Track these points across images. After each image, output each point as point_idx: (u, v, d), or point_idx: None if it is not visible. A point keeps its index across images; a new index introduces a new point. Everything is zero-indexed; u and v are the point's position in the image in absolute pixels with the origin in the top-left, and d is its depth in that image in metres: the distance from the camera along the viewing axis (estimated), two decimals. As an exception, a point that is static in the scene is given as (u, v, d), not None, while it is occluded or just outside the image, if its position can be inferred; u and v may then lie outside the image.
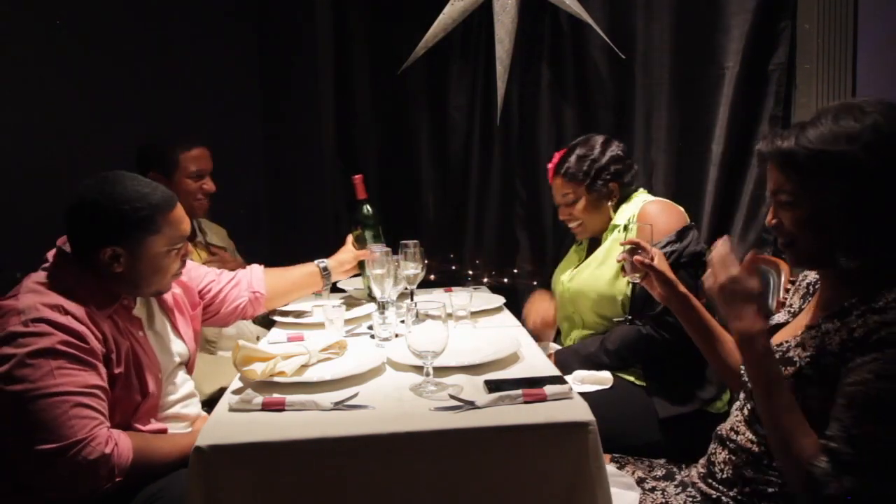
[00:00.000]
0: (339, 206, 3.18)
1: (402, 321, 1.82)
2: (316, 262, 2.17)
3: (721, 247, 1.29)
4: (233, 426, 1.34)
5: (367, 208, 2.23)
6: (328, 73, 3.12)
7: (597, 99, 2.84)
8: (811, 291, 1.42)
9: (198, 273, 1.93)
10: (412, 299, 1.94)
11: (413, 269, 1.95)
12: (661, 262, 1.64)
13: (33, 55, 2.35)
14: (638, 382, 2.00)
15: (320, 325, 1.96)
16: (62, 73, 2.44)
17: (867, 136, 1.13)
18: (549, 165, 2.24)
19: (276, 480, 1.27)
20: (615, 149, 2.16)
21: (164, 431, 1.60)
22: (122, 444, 1.40)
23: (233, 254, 2.70)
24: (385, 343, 1.85)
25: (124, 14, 2.70)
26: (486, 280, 2.95)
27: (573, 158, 2.15)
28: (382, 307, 1.90)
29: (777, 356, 1.25)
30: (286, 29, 3.19)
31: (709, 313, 1.61)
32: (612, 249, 2.09)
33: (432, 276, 2.78)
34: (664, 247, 1.93)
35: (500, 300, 2.34)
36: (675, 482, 1.51)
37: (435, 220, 3.10)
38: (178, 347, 1.74)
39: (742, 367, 1.31)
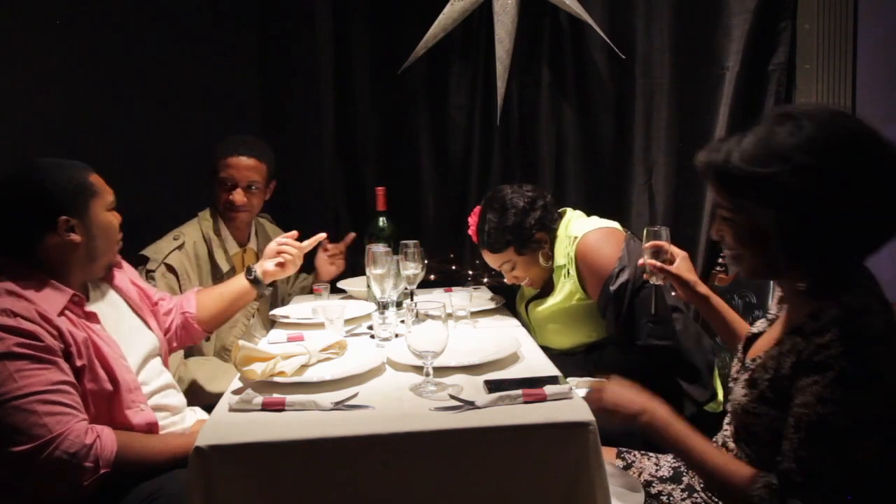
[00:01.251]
0: (339, 206, 3.18)
1: (402, 321, 1.82)
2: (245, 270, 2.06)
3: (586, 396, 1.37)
4: (233, 426, 1.34)
5: (383, 220, 2.21)
6: (328, 73, 3.12)
7: (597, 99, 2.84)
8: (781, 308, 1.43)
9: (150, 287, 1.95)
10: (412, 299, 1.94)
11: (413, 269, 1.95)
12: (680, 265, 1.64)
13: (33, 55, 2.35)
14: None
15: (320, 325, 1.96)
16: (61, 73, 2.44)
17: (799, 157, 1.09)
18: (470, 231, 2.23)
19: (276, 480, 1.27)
20: (524, 200, 2.11)
21: (154, 425, 1.59)
22: (105, 436, 1.41)
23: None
24: (385, 343, 1.85)
25: (124, 15, 2.70)
26: (486, 280, 2.95)
27: (491, 230, 2.12)
28: (382, 307, 1.90)
29: (746, 376, 1.26)
30: (286, 29, 3.18)
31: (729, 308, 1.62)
32: (572, 292, 2.08)
33: (432, 276, 2.78)
34: (617, 276, 1.92)
35: (500, 300, 2.34)
36: (682, 485, 1.51)
37: (435, 220, 3.10)
38: (148, 337, 1.74)
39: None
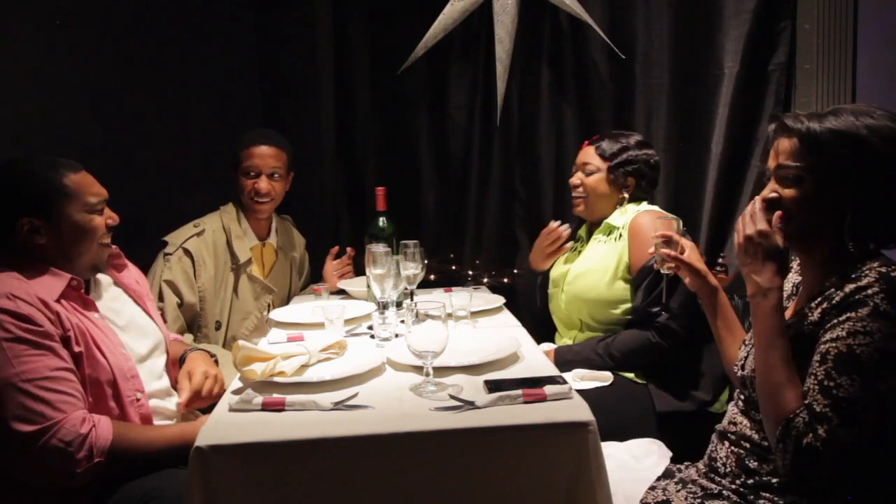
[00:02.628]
0: (339, 206, 3.18)
1: (402, 321, 1.82)
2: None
3: (752, 204, 1.35)
4: (233, 426, 1.33)
5: (383, 221, 2.21)
6: (328, 73, 3.12)
7: (597, 99, 2.84)
8: (794, 292, 1.47)
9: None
10: (412, 299, 1.94)
11: (413, 269, 1.95)
12: (691, 255, 1.66)
13: (33, 55, 2.35)
14: (638, 380, 2.01)
15: (320, 325, 1.96)
16: (61, 73, 2.44)
17: (886, 130, 1.23)
18: (587, 142, 2.31)
19: (276, 480, 1.27)
20: (649, 153, 2.22)
21: (149, 418, 1.60)
22: (100, 426, 1.41)
23: (301, 266, 2.74)
24: (385, 343, 1.85)
25: (124, 14, 2.69)
26: (486, 280, 2.95)
27: (610, 138, 2.23)
28: (382, 307, 1.90)
29: None
30: (286, 29, 3.18)
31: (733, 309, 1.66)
32: (606, 255, 2.11)
33: (432, 276, 2.78)
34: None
35: (500, 300, 2.34)
36: (675, 479, 1.52)
37: (435, 220, 3.10)
38: (151, 329, 1.75)
39: (749, 320, 1.36)
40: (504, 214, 3.01)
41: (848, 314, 1.19)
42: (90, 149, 2.40)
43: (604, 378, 1.98)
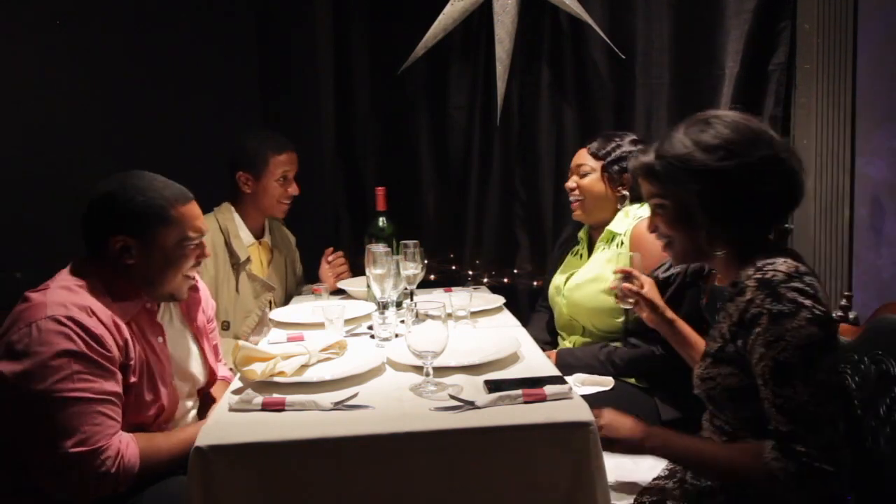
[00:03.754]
0: (339, 206, 3.18)
1: (402, 321, 1.82)
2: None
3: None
4: (233, 426, 1.34)
5: (383, 220, 2.21)
6: (328, 73, 3.12)
7: (597, 99, 2.83)
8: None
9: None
10: (412, 299, 1.94)
11: (413, 269, 1.95)
12: (650, 291, 1.73)
13: (33, 55, 2.35)
14: (639, 384, 2.00)
15: (320, 325, 1.96)
16: (61, 73, 2.44)
17: (710, 140, 1.34)
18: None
19: (276, 480, 1.27)
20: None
21: None
22: (128, 453, 1.39)
23: (292, 264, 2.74)
24: (385, 343, 1.85)
25: (124, 14, 2.70)
26: (486, 280, 2.95)
27: (603, 138, 2.23)
28: (382, 307, 1.90)
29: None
30: (286, 29, 3.18)
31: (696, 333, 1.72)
32: (607, 263, 2.11)
33: (432, 276, 2.78)
34: (667, 270, 1.94)
35: (500, 300, 2.34)
36: (674, 479, 1.53)
37: (435, 220, 3.10)
38: (197, 376, 1.72)
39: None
40: (504, 214, 3.01)
41: (755, 331, 1.26)
42: (90, 148, 2.41)
43: (605, 383, 1.98)
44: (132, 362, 1.46)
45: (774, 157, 1.33)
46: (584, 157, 2.22)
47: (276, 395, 1.44)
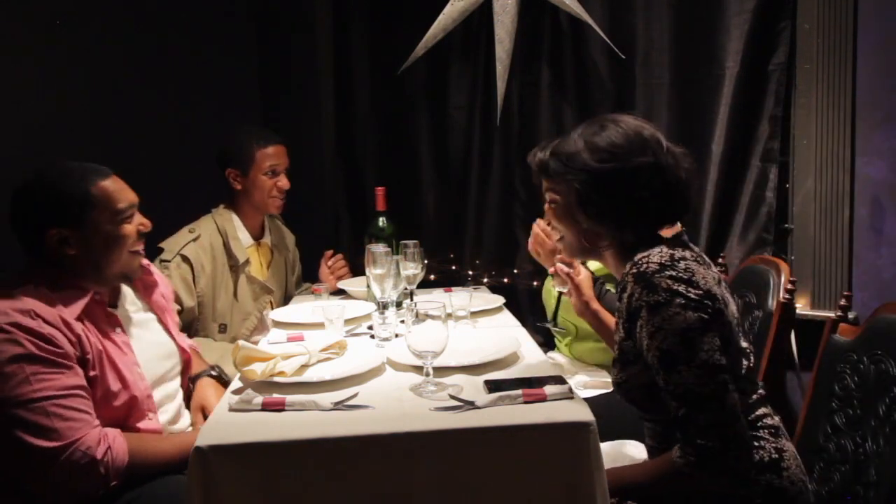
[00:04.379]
0: (339, 206, 3.18)
1: (402, 321, 1.82)
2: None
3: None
4: (233, 426, 1.34)
5: (382, 220, 2.21)
6: (328, 73, 3.12)
7: (597, 99, 2.83)
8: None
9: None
10: (412, 299, 1.94)
11: (413, 269, 1.95)
12: (583, 280, 1.79)
13: (32, 55, 2.35)
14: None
15: (320, 325, 1.96)
16: (61, 73, 2.44)
17: (599, 142, 1.40)
18: None
19: (276, 480, 1.27)
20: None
21: (159, 432, 1.59)
22: (116, 446, 1.39)
23: (293, 263, 2.74)
24: (385, 343, 1.85)
25: (124, 14, 2.69)
26: (486, 280, 2.95)
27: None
28: (382, 307, 1.90)
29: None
30: (286, 29, 3.19)
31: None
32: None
33: (432, 276, 2.78)
34: None
35: (500, 300, 2.34)
36: None
37: (435, 220, 3.10)
38: (172, 352, 1.73)
39: None
40: (504, 214, 3.01)
41: (638, 322, 1.32)
42: (90, 149, 2.41)
43: (607, 385, 1.98)
44: (89, 356, 1.45)
45: (655, 164, 1.39)
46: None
47: (276, 395, 1.44)
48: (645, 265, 1.33)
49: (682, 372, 1.27)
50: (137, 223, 1.61)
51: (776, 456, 1.35)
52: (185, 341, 1.86)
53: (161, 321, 1.76)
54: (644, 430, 1.50)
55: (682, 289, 1.29)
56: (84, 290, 1.51)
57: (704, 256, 1.42)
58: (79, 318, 1.47)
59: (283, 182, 2.47)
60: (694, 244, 2.06)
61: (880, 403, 1.44)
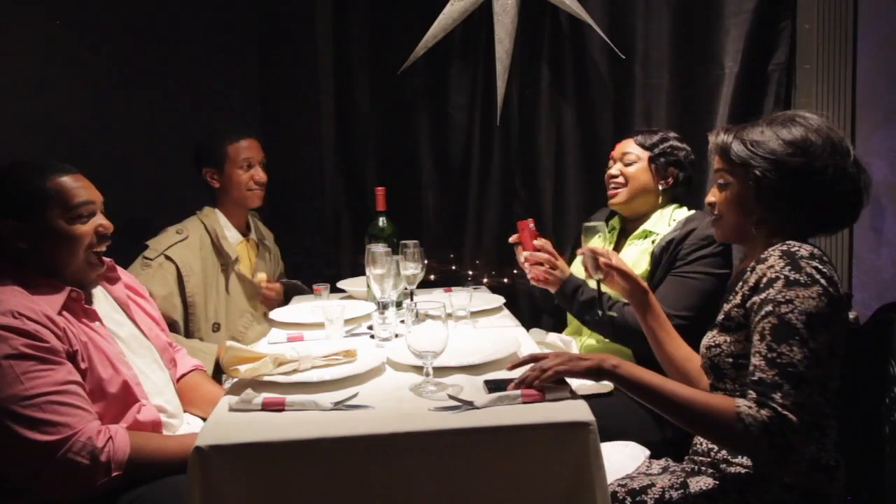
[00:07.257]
0: (339, 206, 3.18)
1: (402, 321, 1.82)
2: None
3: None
4: (233, 426, 1.33)
5: (383, 220, 2.20)
6: (328, 73, 3.12)
7: (597, 99, 2.83)
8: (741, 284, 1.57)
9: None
10: (412, 299, 1.94)
11: (413, 269, 1.95)
12: (618, 261, 1.75)
13: (33, 55, 2.35)
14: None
15: (320, 325, 1.95)
16: (61, 73, 2.44)
17: (794, 139, 1.39)
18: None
19: (276, 480, 1.27)
20: (688, 148, 2.22)
21: (158, 423, 1.59)
22: (118, 438, 1.39)
23: (276, 260, 2.73)
24: (385, 343, 1.85)
25: (124, 14, 2.70)
26: (486, 280, 2.95)
27: (648, 132, 2.23)
28: (382, 307, 1.90)
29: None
30: (286, 29, 3.19)
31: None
32: (637, 260, 2.10)
33: (432, 276, 2.78)
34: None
35: (500, 300, 2.34)
36: (661, 466, 1.58)
37: (435, 220, 3.10)
38: (147, 347, 1.71)
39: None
40: (504, 214, 3.01)
41: (766, 292, 1.32)
42: (89, 149, 2.41)
43: (603, 388, 1.97)
44: (76, 348, 1.44)
45: (841, 170, 1.38)
46: (630, 146, 2.21)
47: (276, 395, 1.44)
48: (797, 248, 1.34)
49: (793, 347, 1.26)
50: (96, 224, 1.55)
51: (833, 464, 1.37)
52: (162, 336, 1.83)
53: (128, 315, 1.73)
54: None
55: (824, 281, 1.30)
56: (59, 287, 1.50)
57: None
58: (60, 313, 1.46)
59: (259, 174, 2.48)
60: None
61: (881, 404, 1.45)
